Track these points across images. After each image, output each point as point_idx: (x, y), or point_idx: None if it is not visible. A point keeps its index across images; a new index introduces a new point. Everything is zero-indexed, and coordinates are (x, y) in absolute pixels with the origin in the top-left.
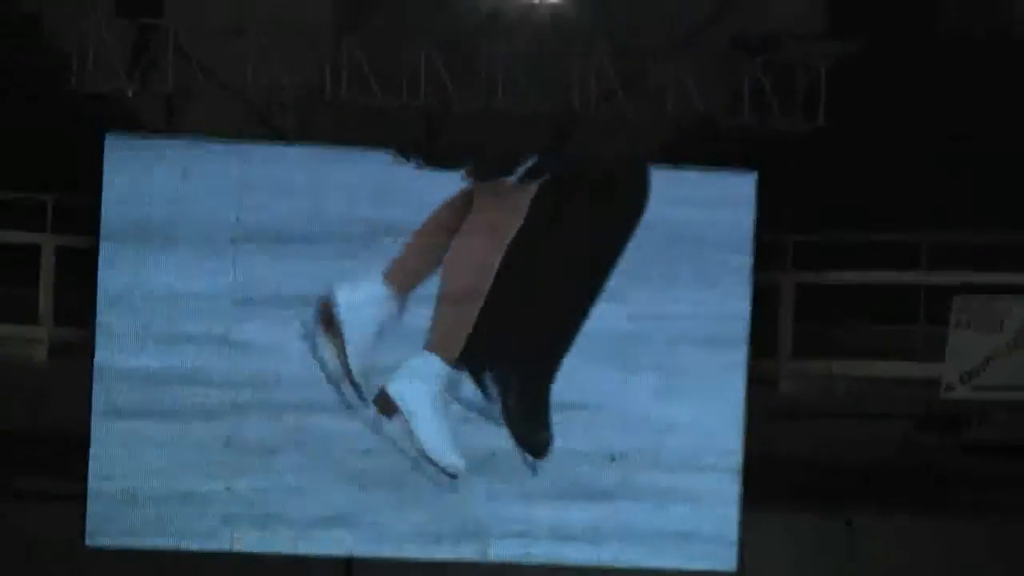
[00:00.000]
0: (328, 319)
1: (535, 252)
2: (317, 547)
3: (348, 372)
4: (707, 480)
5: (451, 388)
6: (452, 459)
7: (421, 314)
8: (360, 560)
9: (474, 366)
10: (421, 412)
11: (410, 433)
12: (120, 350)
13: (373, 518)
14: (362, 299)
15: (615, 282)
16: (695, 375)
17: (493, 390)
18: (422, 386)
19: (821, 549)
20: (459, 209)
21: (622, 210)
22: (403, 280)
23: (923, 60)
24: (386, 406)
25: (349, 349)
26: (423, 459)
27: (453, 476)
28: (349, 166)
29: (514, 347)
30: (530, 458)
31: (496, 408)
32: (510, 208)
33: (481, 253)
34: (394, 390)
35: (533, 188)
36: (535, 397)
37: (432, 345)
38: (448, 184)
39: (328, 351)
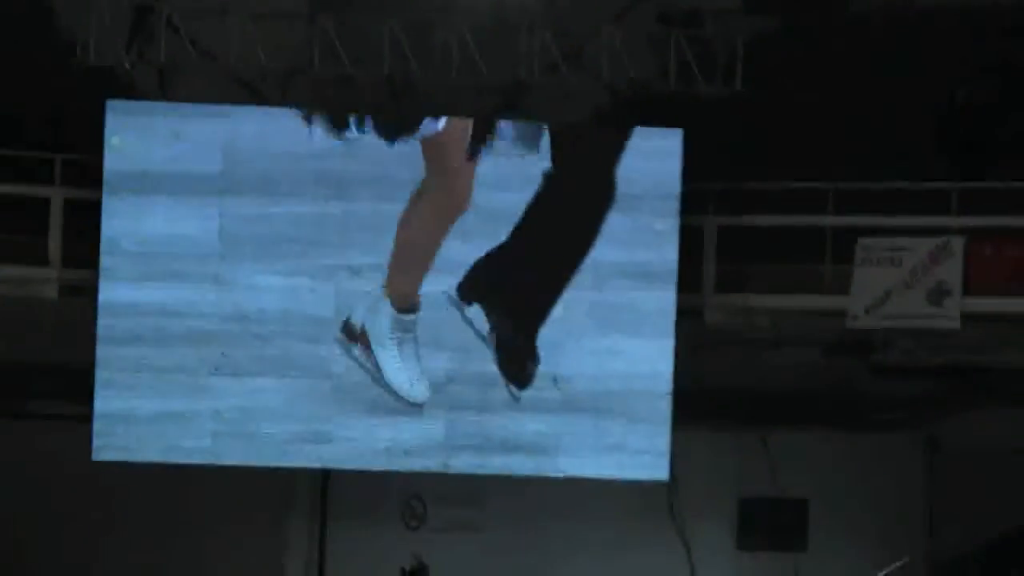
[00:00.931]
0: (351, 332)
1: (536, 223)
2: (296, 460)
3: (380, 372)
4: (641, 401)
5: (401, 328)
6: (413, 391)
7: None
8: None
9: (477, 298)
10: (379, 343)
11: (373, 359)
12: (120, 288)
13: (347, 434)
14: (374, 311)
15: None
16: (631, 308)
17: (490, 322)
18: (381, 321)
19: (741, 462)
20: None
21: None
22: (402, 292)
23: (830, 33)
24: (351, 333)
25: (376, 351)
26: (384, 387)
27: (417, 405)
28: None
29: (512, 291)
30: (515, 389)
31: (491, 339)
32: (457, 192)
33: (427, 237)
34: (357, 318)
35: (473, 170)
36: (525, 338)
37: (386, 292)
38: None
39: (359, 354)
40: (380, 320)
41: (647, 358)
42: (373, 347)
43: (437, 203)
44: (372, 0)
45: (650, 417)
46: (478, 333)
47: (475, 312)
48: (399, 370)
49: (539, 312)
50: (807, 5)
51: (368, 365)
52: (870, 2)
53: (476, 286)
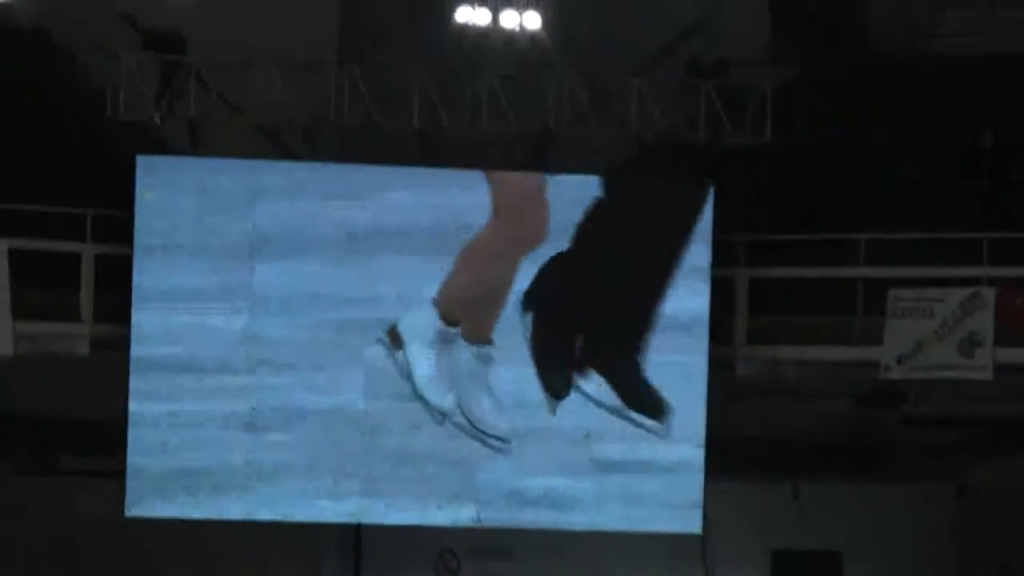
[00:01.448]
0: (395, 336)
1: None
2: (328, 516)
3: (413, 380)
4: (676, 452)
5: (445, 340)
6: (443, 402)
7: None
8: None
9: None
10: (417, 347)
11: (409, 364)
12: (152, 344)
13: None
14: (418, 322)
15: None
16: (664, 359)
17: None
18: (423, 327)
19: (773, 513)
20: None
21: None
22: (450, 308)
23: (856, 80)
24: (394, 338)
25: (413, 361)
26: (417, 397)
27: (444, 415)
28: (350, 179)
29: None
30: (653, 423)
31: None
32: (529, 224)
33: (493, 273)
34: (402, 325)
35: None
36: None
37: (437, 301)
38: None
39: (399, 360)
40: (424, 323)
41: (680, 410)
42: (410, 344)
43: (510, 235)
44: (400, 49)
45: (683, 469)
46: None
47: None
48: (432, 373)
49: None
50: (831, 53)
51: (406, 368)
52: (892, 47)
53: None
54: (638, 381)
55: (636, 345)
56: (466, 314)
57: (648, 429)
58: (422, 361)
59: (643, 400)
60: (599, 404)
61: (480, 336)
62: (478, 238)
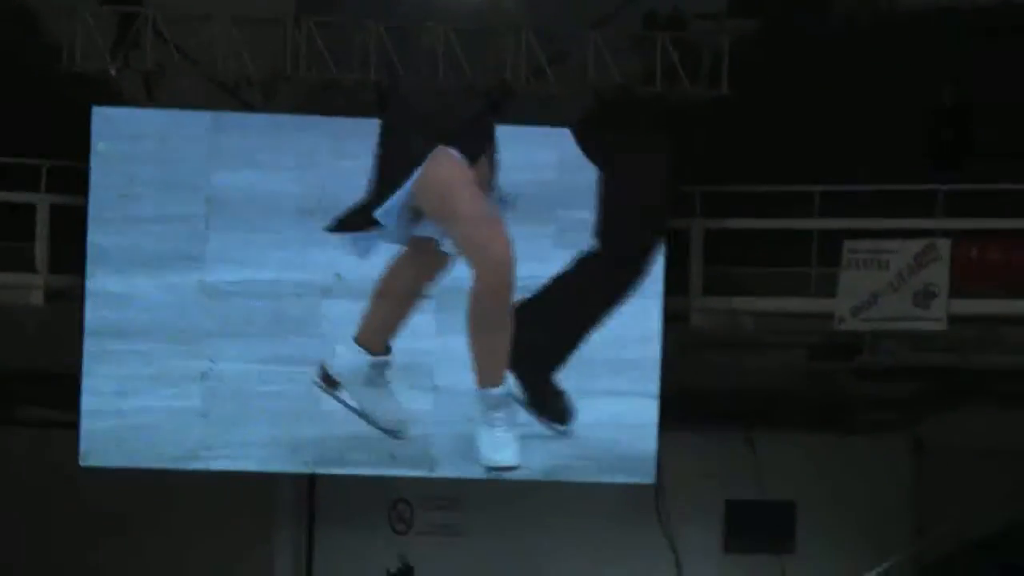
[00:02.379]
0: (327, 377)
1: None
2: (283, 465)
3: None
4: (629, 404)
5: (378, 370)
6: (392, 423)
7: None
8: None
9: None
10: (354, 387)
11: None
12: (107, 296)
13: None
14: (347, 362)
15: (557, 232)
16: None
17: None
18: (352, 368)
19: (727, 464)
20: (405, 267)
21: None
22: (374, 340)
23: (814, 35)
24: (328, 381)
25: (350, 400)
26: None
27: (397, 434)
28: (307, 132)
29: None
30: (559, 427)
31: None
32: (426, 270)
33: (394, 314)
34: (333, 369)
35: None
36: (543, 385)
37: (359, 339)
38: None
39: (342, 396)
40: (350, 370)
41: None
42: (347, 386)
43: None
44: (356, 4)
45: (637, 420)
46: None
47: None
48: (375, 403)
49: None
50: (791, 7)
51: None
52: (853, 4)
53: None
54: (547, 389)
55: (555, 361)
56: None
57: (553, 430)
58: (360, 399)
59: (548, 408)
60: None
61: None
62: (394, 272)
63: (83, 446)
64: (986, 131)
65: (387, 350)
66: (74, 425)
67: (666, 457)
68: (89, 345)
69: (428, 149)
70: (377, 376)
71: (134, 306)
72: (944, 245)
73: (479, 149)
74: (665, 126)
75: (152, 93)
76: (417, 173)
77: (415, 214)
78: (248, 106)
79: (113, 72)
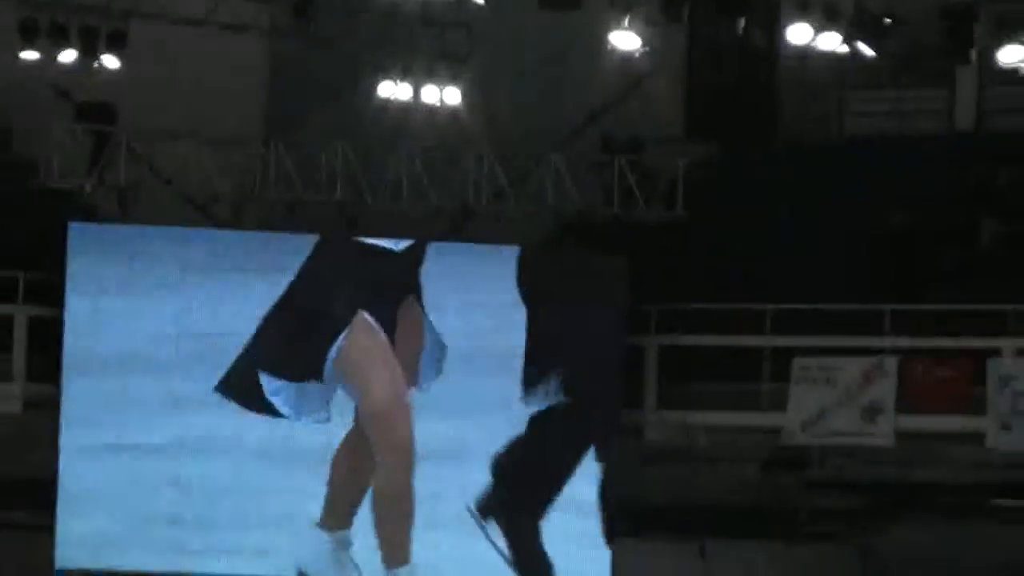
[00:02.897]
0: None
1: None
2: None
3: None
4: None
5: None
6: None
7: None
8: None
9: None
10: None
11: None
12: (83, 405)
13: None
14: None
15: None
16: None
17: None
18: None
19: (680, 572)
20: (352, 446)
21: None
22: (335, 520)
23: (766, 160)
24: None
25: None
26: None
27: None
28: (274, 249)
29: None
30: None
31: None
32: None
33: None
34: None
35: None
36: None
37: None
38: None
39: None
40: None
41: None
42: None
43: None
44: (324, 123)
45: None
46: (500, 552)
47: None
48: None
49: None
50: (744, 133)
51: None
52: (802, 130)
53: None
54: (532, 550)
55: (538, 510)
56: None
57: None
58: None
59: (532, 566)
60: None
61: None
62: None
63: (58, 549)
64: (934, 255)
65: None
66: (49, 528)
67: (620, 566)
68: (64, 454)
69: (348, 316)
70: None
71: (107, 415)
72: (891, 362)
73: (394, 311)
74: (622, 246)
75: (126, 209)
76: (336, 347)
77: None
78: (216, 222)
79: (88, 189)
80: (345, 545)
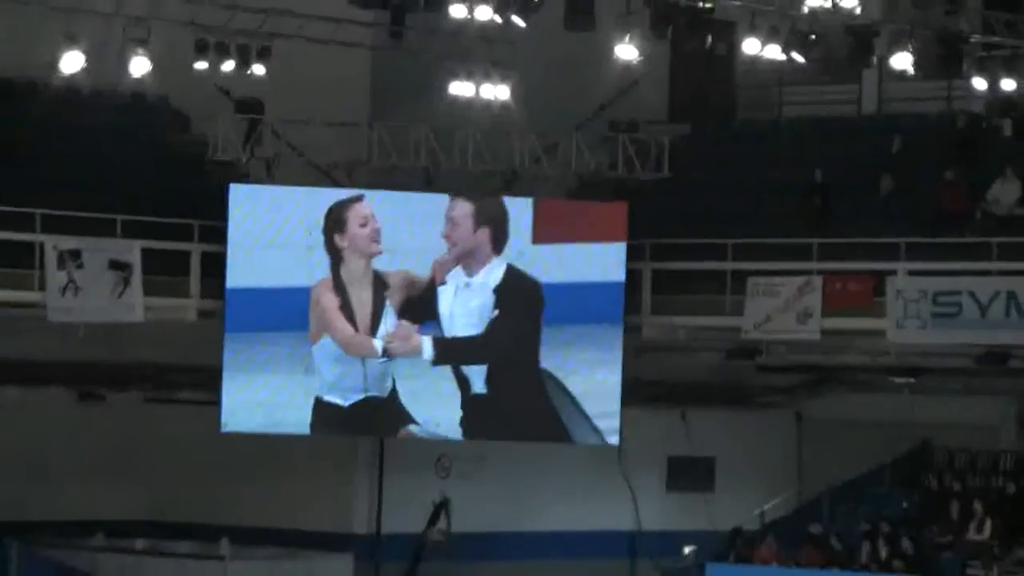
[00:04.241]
0: None
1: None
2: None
3: None
4: (601, 389)
5: None
6: None
7: None
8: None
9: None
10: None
11: None
12: (239, 314)
13: None
14: None
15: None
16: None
17: None
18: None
19: (668, 432)
20: None
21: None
22: None
23: (727, 136)
24: None
25: None
26: None
27: None
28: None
29: None
30: None
31: None
32: None
33: None
34: None
35: None
36: None
37: None
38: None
39: None
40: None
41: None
42: None
43: None
44: (410, 112)
45: (607, 400)
46: None
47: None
48: None
49: None
50: (710, 117)
51: None
52: (753, 112)
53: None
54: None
55: None
56: None
57: None
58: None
59: None
60: None
61: None
62: None
63: (223, 418)
64: (845, 202)
65: None
66: (216, 402)
67: (626, 427)
68: (227, 348)
69: None
70: None
71: (259, 324)
72: (817, 280)
73: None
74: (624, 198)
75: (270, 174)
76: None
77: None
78: (336, 183)
79: (243, 160)
80: None
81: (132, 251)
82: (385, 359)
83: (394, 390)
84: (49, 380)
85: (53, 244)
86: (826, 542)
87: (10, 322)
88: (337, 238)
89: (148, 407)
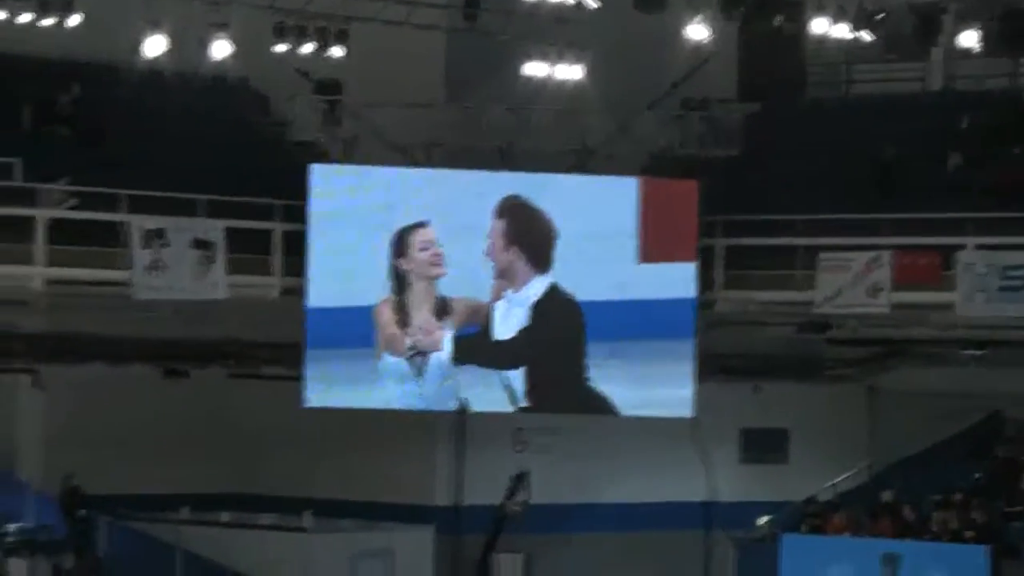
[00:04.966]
0: None
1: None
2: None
3: None
4: (676, 363)
5: None
6: None
7: None
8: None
9: None
10: None
11: None
12: (323, 292)
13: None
14: None
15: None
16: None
17: None
18: None
19: (741, 404)
20: None
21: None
22: None
23: (797, 113)
24: None
25: None
26: None
27: None
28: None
29: None
30: None
31: None
32: None
33: None
34: None
35: None
36: None
37: None
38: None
39: None
40: None
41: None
42: None
43: None
44: (485, 92)
45: (681, 374)
46: None
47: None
48: None
49: None
50: (780, 95)
51: None
52: (822, 90)
53: None
54: None
55: None
56: None
57: None
58: None
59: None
60: None
61: None
62: None
63: (305, 393)
64: (914, 178)
65: None
66: (299, 378)
67: (700, 399)
68: (310, 324)
69: None
70: None
71: (340, 302)
72: (886, 255)
73: None
74: (696, 175)
75: (349, 154)
76: None
77: None
78: (414, 163)
79: (322, 140)
80: None
81: (215, 230)
82: (412, 353)
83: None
84: (134, 357)
85: (138, 224)
86: (899, 512)
87: (97, 300)
88: (402, 261)
89: (231, 383)
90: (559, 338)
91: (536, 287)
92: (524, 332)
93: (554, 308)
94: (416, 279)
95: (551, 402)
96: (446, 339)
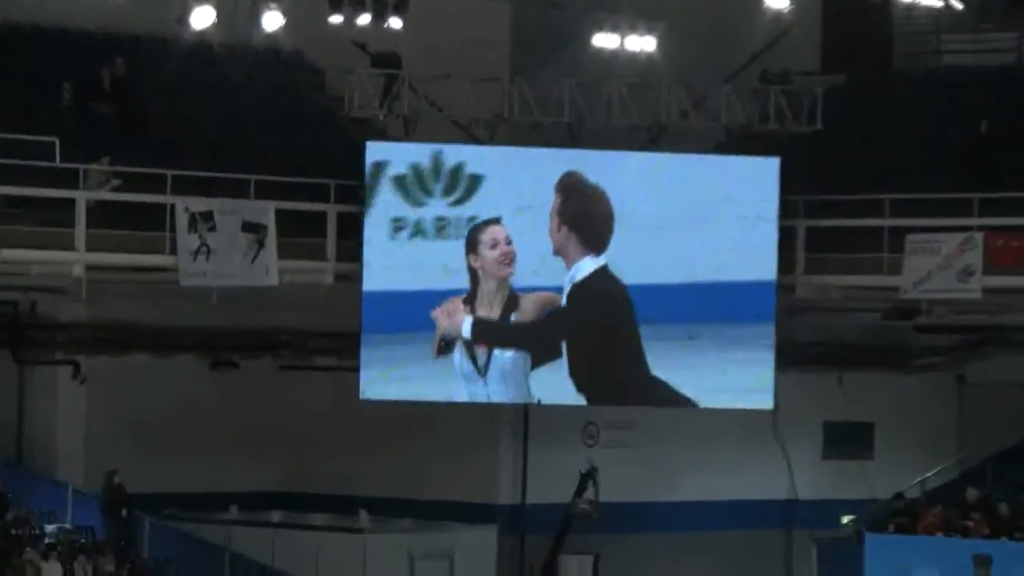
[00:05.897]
0: None
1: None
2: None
3: None
4: (755, 352)
5: None
6: None
7: None
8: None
9: None
10: None
11: None
12: (377, 276)
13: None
14: None
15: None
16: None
17: None
18: None
19: (823, 395)
20: None
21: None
22: None
23: (885, 84)
24: None
25: None
26: None
27: None
28: (519, 158)
29: None
30: None
31: None
32: None
33: None
34: None
35: None
36: None
37: None
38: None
39: None
40: None
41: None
42: None
43: None
44: (553, 65)
45: (760, 364)
46: None
47: None
48: None
49: None
50: (866, 66)
51: None
52: (910, 61)
53: None
54: None
55: None
56: None
57: None
58: None
59: None
60: None
61: None
62: None
63: (362, 385)
64: (1007, 155)
65: None
66: (355, 369)
67: (779, 390)
68: (366, 310)
69: None
70: None
71: (396, 287)
72: (978, 237)
73: None
74: (776, 152)
75: (408, 131)
76: None
77: None
78: (476, 140)
79: (380, 116)
80: None
81: (266, 212)
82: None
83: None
84: (180, 347)
85: (184, 206)
86: (993, 510)
87: (140, 287)
88: (472, 258)
89: (283, 375)
90: (599, 323)
91: (584, 268)
92: (553, 315)
93: (594, 291)
94: (485, 277)
95: (613, 395)
96: (466, 322)
